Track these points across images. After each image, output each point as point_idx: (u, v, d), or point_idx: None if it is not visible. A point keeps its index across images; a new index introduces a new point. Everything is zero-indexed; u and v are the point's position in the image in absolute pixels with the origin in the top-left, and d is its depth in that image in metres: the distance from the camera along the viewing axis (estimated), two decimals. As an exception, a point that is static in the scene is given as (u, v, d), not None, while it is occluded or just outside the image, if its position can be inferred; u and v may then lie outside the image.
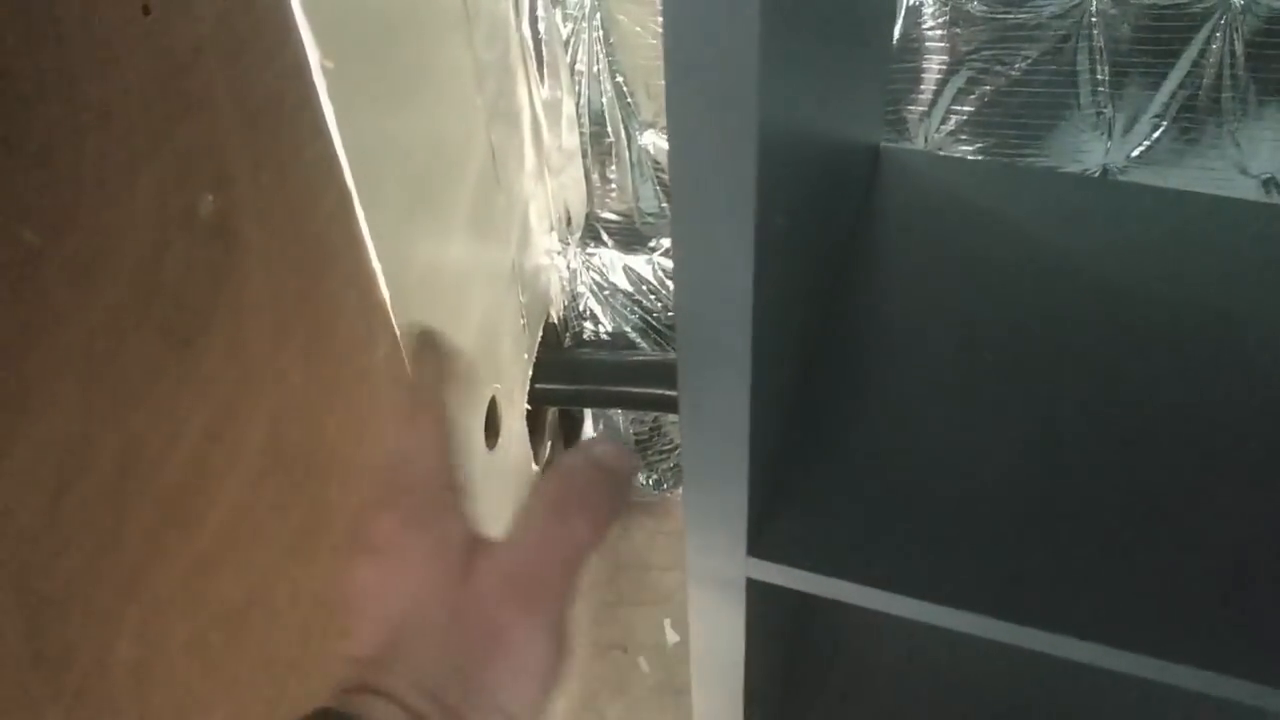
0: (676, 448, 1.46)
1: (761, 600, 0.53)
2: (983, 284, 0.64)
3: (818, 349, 0.60)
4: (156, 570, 0.53)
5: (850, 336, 0.60)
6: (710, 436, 0.42)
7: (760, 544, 0.49)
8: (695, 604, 0.53)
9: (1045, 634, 0.46)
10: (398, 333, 0.82)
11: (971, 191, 0.71)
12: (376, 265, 0.77)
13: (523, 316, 1.23)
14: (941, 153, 1.10)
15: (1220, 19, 0.95)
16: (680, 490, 1.49)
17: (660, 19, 1.12)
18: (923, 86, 1.07)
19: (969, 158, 1.09)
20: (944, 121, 1.09)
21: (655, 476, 1.50)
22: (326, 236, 0.70)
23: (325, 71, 0.67)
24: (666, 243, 1.27)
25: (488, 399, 1.12)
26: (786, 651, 0.85)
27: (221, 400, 0.58)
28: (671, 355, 1.33)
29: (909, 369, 0.59)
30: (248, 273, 0.60)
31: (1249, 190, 1.04)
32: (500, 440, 1.16)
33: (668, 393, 1.26)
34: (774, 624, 0.70)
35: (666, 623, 1.38)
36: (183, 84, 0.53)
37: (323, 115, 0.68)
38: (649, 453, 1.47)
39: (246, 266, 0.59)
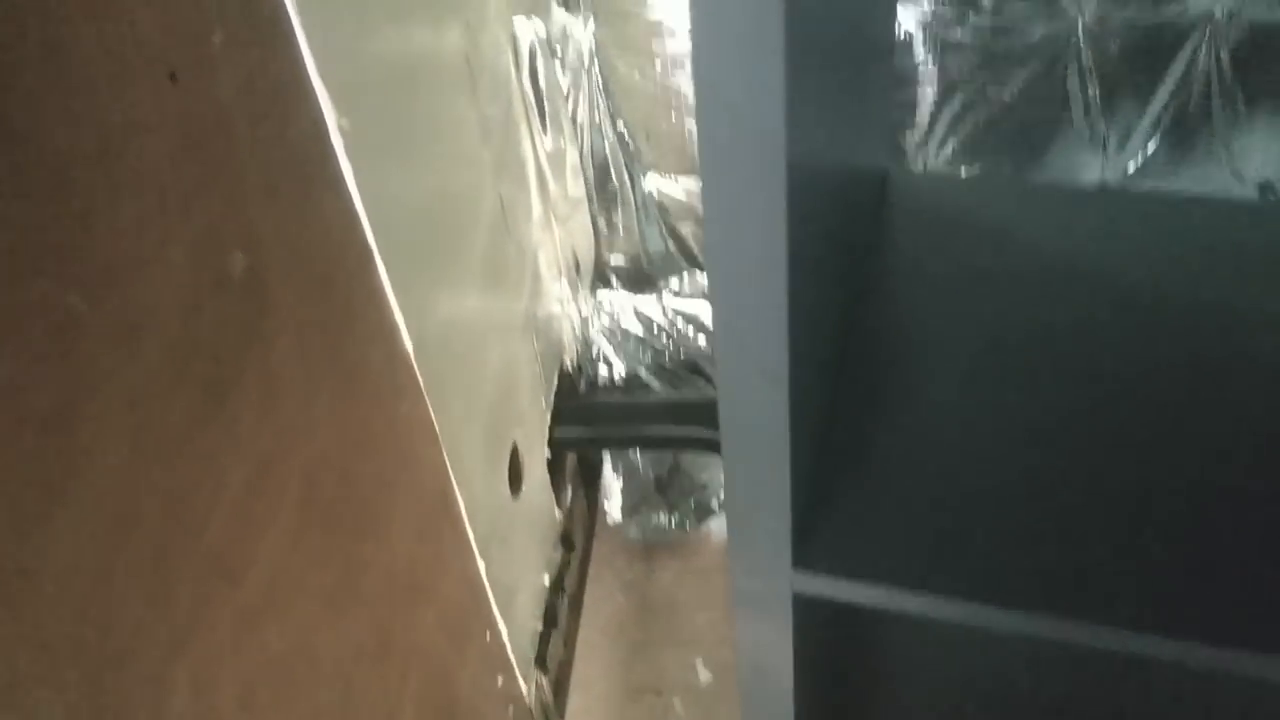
0: (698, 487, 1.46)
1: (808, 617, 0.54)
2: (998, 296, 0.65)
3: (845, 364, 0.61)
4: (204, 625, 0.54)
5: (875, 351, 0.61)
6: (751, 451, 0.43)
7: (804, 556, 0.49)
8: (741, 627, 0.53)
9: (1104, 630, 0.46)
10: (422, 385, 0.83)
11: (979, 209, 0.72)
12: (399, 318, 0.78)
13: (538, 363, 1.24)
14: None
15: (1205, 31, 0.97)
16: (704, 527, 1.50)
17: (658, 65, 1.14)
18: (917, 116, 1.09)
19: (974, 177, 1.10)
20: (941, 148, 1.10)
21: (678, 515, 1.50)
22: (350, 291, 0.71)
23: (342, 131, 0.69)
24: (674, 283, 1.28)
25: (510, 447, 1.13)
26: (835, 673, 0.85)
27: (258, 455, 0.59)
28: (687, 394, 1.34)
29: (934, 379, 0.60)
30: (277, 329, 0.61)
31: (1246, 197, 1.05)
32: (524, 488, 1.17)
33: (686, 431, 1.27)
34: (821, 643, 0.70)
35: (699, 662, 1.37)
36: (210, 147, 0.54)
37: (342, 173, 0.70)
38: (670, 493, 1.47)
39: (276, 323, 0.61)
